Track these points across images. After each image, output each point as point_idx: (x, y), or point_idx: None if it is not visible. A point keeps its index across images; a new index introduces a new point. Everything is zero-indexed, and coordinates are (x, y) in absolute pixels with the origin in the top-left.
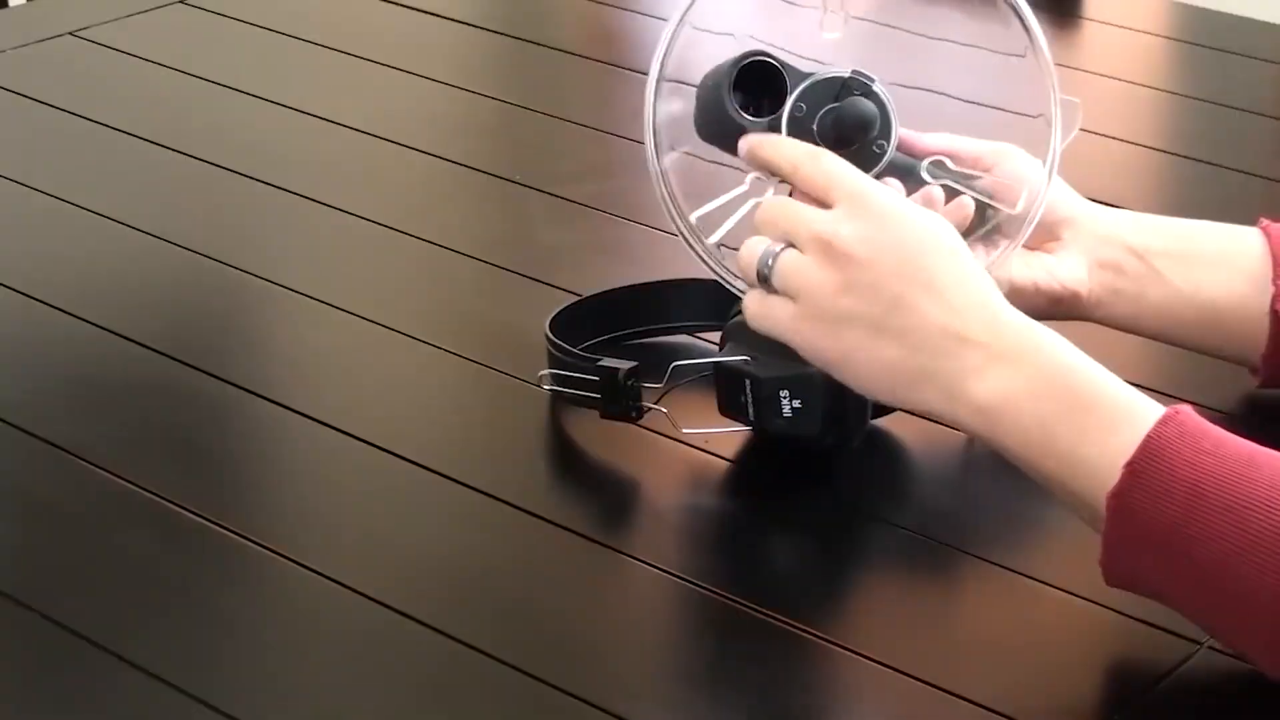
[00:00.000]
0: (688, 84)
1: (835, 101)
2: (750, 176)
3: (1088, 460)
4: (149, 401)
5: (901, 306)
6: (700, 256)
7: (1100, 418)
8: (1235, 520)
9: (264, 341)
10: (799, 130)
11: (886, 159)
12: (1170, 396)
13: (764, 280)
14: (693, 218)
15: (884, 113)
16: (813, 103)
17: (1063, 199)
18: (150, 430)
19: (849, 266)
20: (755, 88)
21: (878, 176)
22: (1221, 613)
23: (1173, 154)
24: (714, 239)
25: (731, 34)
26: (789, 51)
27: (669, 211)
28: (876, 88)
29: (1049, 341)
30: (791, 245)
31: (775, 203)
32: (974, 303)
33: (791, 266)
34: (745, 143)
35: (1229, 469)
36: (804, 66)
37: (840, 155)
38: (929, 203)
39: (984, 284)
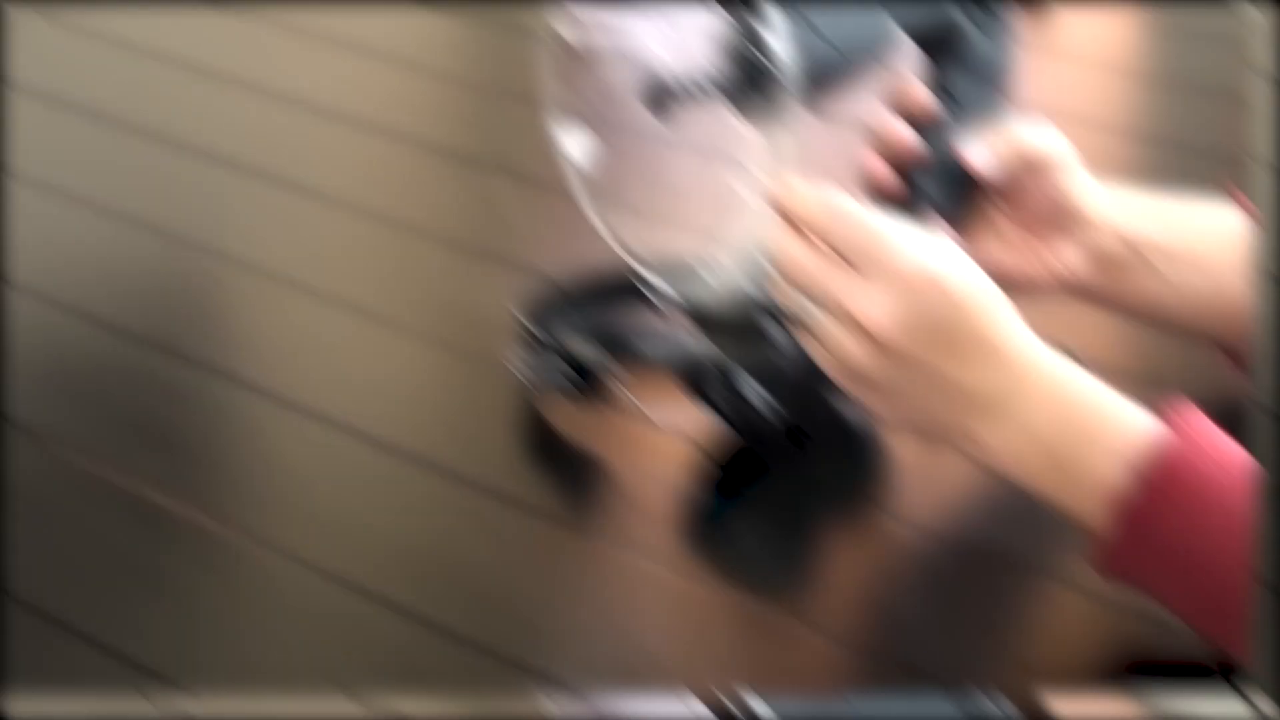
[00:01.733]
0: None
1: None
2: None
3: (1089, 479)
4: (120, 386)
5: (929, 378)
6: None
7: (1103, 441)
8: (1232, 524)
9: (233, 326)
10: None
11: None
12: (1155, 387)
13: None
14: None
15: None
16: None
17: (1083, 190)
18: (121, 415)
19: (878, 345)
20: None
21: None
22: (1212, 613)
23: (1141, 138)
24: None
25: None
26: None
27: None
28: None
29: (1052, 375)
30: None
31: (799, 262)
32: (992, 356)
33: (823, 332)
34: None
35: (1229, 473)
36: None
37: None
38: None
39: (1000, 330)
